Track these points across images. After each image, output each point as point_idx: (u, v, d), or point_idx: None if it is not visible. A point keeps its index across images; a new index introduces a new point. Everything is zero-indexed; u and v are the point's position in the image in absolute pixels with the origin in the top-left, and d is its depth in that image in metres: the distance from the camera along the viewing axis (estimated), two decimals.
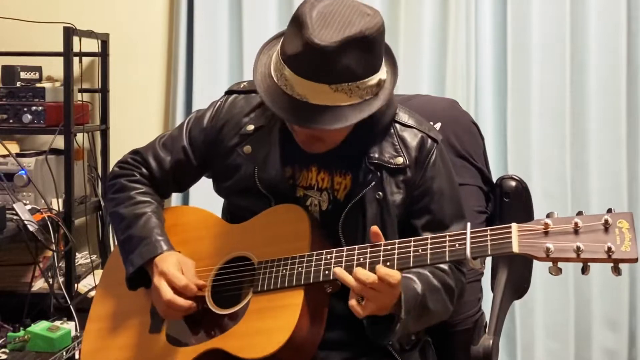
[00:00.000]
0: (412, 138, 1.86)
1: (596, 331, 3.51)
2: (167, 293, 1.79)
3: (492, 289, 2.14)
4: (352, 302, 1.65)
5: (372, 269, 1.65)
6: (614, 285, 3.47)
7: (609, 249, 1.48)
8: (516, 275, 2.16)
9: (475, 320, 2.11)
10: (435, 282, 1.80)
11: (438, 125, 2.12)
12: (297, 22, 1.68)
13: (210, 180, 2.03)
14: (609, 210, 1.53)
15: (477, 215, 2.14)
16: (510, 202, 2.17)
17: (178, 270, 1.81)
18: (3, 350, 2.90)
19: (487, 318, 2.12)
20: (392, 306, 1.68)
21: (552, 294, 3.50)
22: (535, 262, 2.19)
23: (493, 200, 2.22)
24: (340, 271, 1.67)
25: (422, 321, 1.80)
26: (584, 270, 1.53)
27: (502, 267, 2.13)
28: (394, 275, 1.63)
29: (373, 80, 1.72)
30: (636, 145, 3.48)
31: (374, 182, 1.82)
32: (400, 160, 1.84)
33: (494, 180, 2.24)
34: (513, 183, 2.18)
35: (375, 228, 1.70)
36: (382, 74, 1.75)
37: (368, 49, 1.68)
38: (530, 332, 3.52)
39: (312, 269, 1.72)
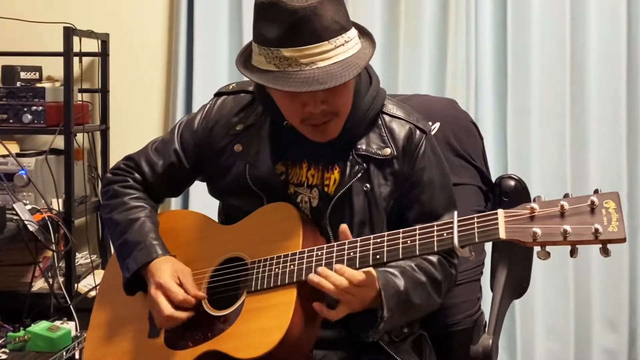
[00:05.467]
0: (400, 129, 1.87)
1: (596, 331, 3.51)
2: (166, 309, 1.80)
3: (492, 289, 2.14)
4: (319, 307, 1.68)
5: (363, 263, 1.68)
6: (614, 285, 3.47)
7: (596, 230, 1.48)
8: (515, 275, 2.16)
9: (475, 320, 2.10)
10: (421, 276, 1.81)
11: (437, 125, 2.12)
12: (265, 7, 1.70)
13: None
14: (595, 191, 1.53)
15: None
16: (509, 201, 2.16)
17: (174, 280, 1.82)
18: (3, 350, 2.91)
19: (487, 318, 2.12)
20: (371, 303, 1.70)
21: (552, 294, 3.50)
22: (534, 261, 2.21)
23: (492, 199, 2.21)
24: (315, 277, 1.68)
25: (409, 315, 1.81)
26: (572, 253, 1.53)
27: (501, 266, 2.13)
28: (356, 275, 1.66)
29: (354, 32, 1.77)
30: (636, 145, 3.48)
31: (360, 174, 1.83)
32: (387, 151, 1.85)
33: (493, 179, 2.24)
34: (512, 182, 2.18)
35: (343, 226, 1.72)
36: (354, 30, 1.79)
37: (338, 1, 1.73)
38: (530, 332, 3.52)
39: (304, 266, 1.73)
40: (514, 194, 2.17)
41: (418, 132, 1.88)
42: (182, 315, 1.80)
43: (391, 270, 1.76)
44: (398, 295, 1.74)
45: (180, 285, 1.82)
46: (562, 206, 1.52)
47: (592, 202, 1.50)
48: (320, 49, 1.68)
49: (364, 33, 1.81)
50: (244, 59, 1.80)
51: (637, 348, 3.54)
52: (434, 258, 1.84)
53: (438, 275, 1.84)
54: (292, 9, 1.66)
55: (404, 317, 1.80)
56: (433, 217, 1.83)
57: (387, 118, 1.88)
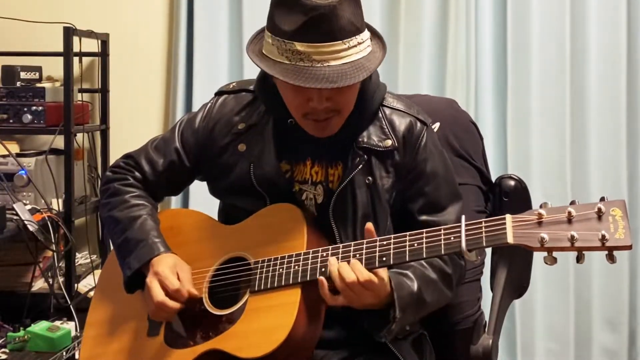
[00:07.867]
0: (400, 121, 1.88)
1: (596, 331, 3.51)
2: (159, 295, 1.79)
3: (492, 289, 2.14)
4: (322, 282, 1.68)
5: (369, 265, 1.68)
6: (614, 286, 3.47)
7: (603, 237, 1.49)
8: (516, 275, 2.16)
9: (475, 320, 2.10)
10: (432, 274, 1.81)
11: (437, 125, 2.12)
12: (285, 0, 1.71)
13: None
14: (602, 199, 1.54)
15: (477, 214, 2.14)
16: (509, 201, 2.17)
17: (173, 273, 1.82)
18: (3, 350, 2.91)
19: (487, 318, 2.12)
20: (383, 303, 1.70)
21: (552, 294, 3.50)
22: (534, 261, 2.21)
23: (492, 199, 2.22)
24: (332, 260, 1.70)
25: (421, 312, 1.82)
26: (579, 259, 1.54)
27: (501, 266, 2.13)
28: (364, 274, 1.66)
29: (367, 34, 1.78)
30: (636, 145, 3.48)
31: (361, 166, 1.83)
32: (388, 142, 1.86)
33: (493, 179, 2.24)
34: (512, 182, 2.18)
35: (369, 225, 1.72)
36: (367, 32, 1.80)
37: (356, 2, 1.75)
38: (530, 332, 3.52)
39: (309, 266, 1.73)
40: (514, 194, 2.17)
41: (419, 124, 1.89)
42: (174, 305, 1.79)
43: (403, 271, 1.76)
44: (411, 296, 1.74)
45: (178, 279, 1.82)
46: (569, 212, 1.53)
47: (599, 210, 1.52)
48: (334, 48, 1.70)
49: (376, 35, 1.83)
50: (255, 46, 1.81)
51: (637, 348, 3.54)
52: None
53: (448, 269, 1.85)
54: (313, 5, 1.68)
55: (416, 315, 1.81)
56: (437, 209, 1.84)
57: (387, 111, 1.89)
